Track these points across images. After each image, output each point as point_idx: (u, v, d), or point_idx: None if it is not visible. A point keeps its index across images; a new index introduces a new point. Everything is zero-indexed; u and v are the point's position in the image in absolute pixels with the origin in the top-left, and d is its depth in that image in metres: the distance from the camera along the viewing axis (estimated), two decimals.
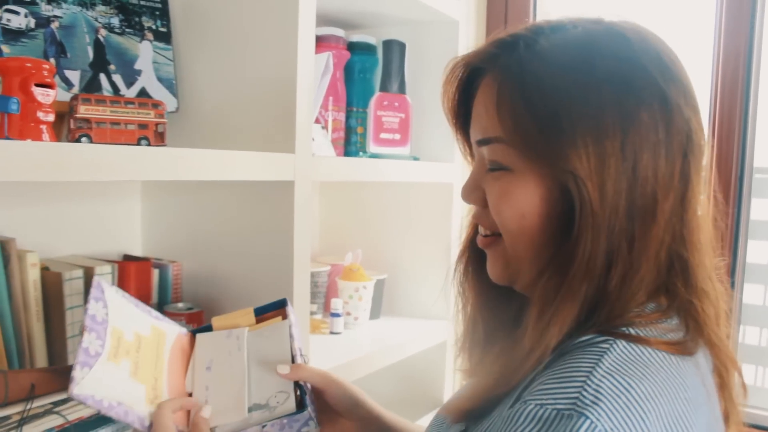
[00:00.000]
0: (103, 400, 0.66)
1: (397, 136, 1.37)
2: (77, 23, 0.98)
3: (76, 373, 0.65)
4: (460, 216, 1.46)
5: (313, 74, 1.06)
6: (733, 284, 1.46)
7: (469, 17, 1.62)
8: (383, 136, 1.35)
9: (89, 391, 0.65)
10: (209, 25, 1.11)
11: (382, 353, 1.27)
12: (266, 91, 1.05)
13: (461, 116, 0.70)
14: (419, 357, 1.42)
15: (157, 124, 0.91)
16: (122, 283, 1.04)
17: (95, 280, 0.77)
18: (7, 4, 0.90)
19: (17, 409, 0.78)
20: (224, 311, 1.10)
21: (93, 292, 0.75)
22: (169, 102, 1.08)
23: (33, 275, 0.90)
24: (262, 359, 0.80)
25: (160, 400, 0.73)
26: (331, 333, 1.33)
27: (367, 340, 1.33)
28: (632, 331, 0.55)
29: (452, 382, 1.52)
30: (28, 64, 0.77)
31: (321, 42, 1.29)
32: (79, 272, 0.96)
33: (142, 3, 1.08)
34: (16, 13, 0.91)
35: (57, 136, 0.82)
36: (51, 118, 0.78)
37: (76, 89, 0.97)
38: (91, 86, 0.99)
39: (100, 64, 1.01)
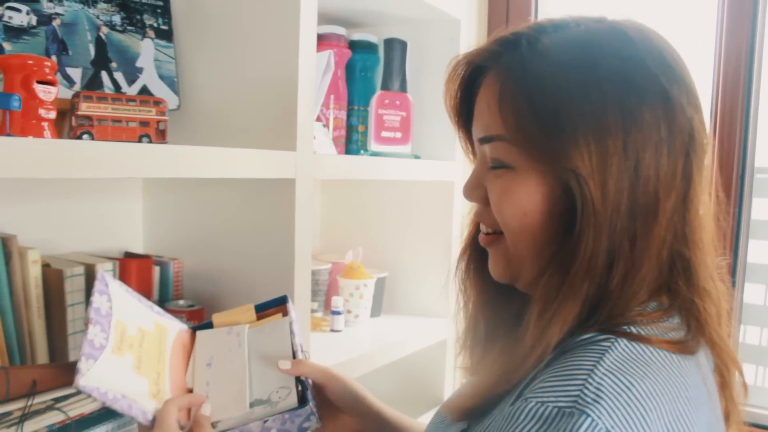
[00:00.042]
0: (108, 392, 0.66)
1: (398, 135, 1.37)
2: (79, 21, 0.98)
3: (82, 365, 0.66)
4: (461, 214, 1.46)
5: (315, 72, 1.06)
6: (733, 284, 1.46)
7: (471, 16, 1.62)
8: (384, 134, 1.35)
9: (94, 383, 0.66)
10: (211, 23, 1.11)
11: (383, 351, 1.27)
12: (267, 89, 1.05)
13: (463, 114, 0.70)
14: (419, 355, 1.42)
15: (158, 122, 0.91)
16: (123, 280, 1.04)
17: (99, 273, 0.77)
18: (9, 1, 0.90)
19: (18, 405, 0.78)
20: (225, 308, 1.10)
21: (97, 285, 0.75)
22: (170, 100, 1.08)
23: (34, 272, 0.90)
24: (263, 355, 0.80)
25: (163, 394, 0.74)
26: (332, 331, 1.33)
27: (368, 337, 1.33)
28: (634, 329, 0.55)
29: (452, 380, 1.52)
30: (30, 62, 0.77)
31: (322, 40, 1.29)
32: (81, 269, 0.96)
33: (144, 1, 1.08)
34: (18, 10, 0.91)
35: (58, 134, 0.82)
36: (52, 115, 0.78)
37: (77, 87, 0.97)
38: (92, 84, 0.99)
39: (101, 61, 1.01)
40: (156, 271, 1.12)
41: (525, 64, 0.59)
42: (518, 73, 0.59)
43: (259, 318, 0.88)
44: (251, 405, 0.75)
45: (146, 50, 1.07)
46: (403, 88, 1.38)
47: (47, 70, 0.77)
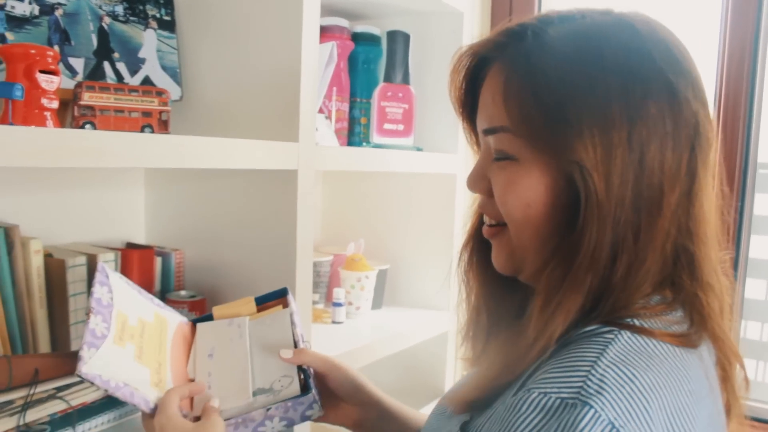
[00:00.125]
0: (110, 380, 0.67)
1: (401, 127, 1.37)
2: (81, 11, 0.98)
3: (84, 353, 0.66)
4: (462, 207, 1.46)
5: (317, 64, 1.06)
6: (735, 279, 1.46)
7: (474, 8, 1.61)
8: (387, 126, 1.35)
9: (97, 370, 0.66)
10: (213, 14, 1.11)
11: (384, 343, 1.27)
12: (270, 80, 1.05)
13: (468, 105, 0.69)
14: (421, 347, 1.43)
15: (160, 112, 0.91)
16: (125, 271, 1.04)
17: (100, 265, 0.78)
18: None
19: (21, 393, 0.78)
20: (226, 299, 1.10)
21: (98, 276, 0.76)
22: (173, 90, 1.08)
23: (36, 262, 0.90)
24: (265, 345, 0.81)
25: (164, 384, 0.74)
26: (333, 322, 1.33)
27: (369, 329, 1.33)
28: (637, 322, 0.55)
29: (453, 372, 1.53)
30: (33, 51, 0.77)
31: (325, 32, 1.28)
32: (83, 259, 0.96)
33: None
34: (21, 0, 0.90)
35: (61, 124, 0.82)
36: (55, 105, 0.78)
37: (80, 77, 0.97)
38: (95, 74, 0.99)
39: (104, 52, 1.01)
40: (158, 261, 1.12)
41: (530, 55, 0.59)
42: (523, 64, 0.59)
43: (259, 310, 0.88)
44: (254, 394, 0.75)
45: (149, 41, 1.07)
46: (405, 80, 1.38)
47: (50, 60, 0.77)
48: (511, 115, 0.59)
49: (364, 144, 1.34)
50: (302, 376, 0.78)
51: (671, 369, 0.53)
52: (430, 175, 1.45)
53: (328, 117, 1.29)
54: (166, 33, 1.09)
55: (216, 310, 0.88)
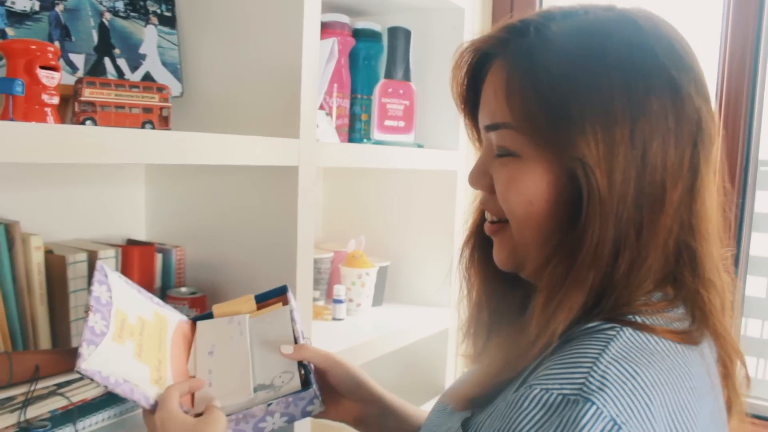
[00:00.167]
0: (110, 376, 0.67)
1: (402, 124, 1.37)
2: (82, 7, 0.98)
3: (83, 350, 0.66)
4: (463, 204, 1.46)
5: (318, 60, 1.06)
6: (736, 276, 1.46)
7: (475, 4, 1.61)
8: (387, 123, 1.35)
9: (96, 367, 0.66)
10: (214, 10, 1.11)
11: (384, 340, 1.27)
12: (271, 76, 1.05)
13: (470, 101, 0.69)
14: (421, 344, 1.43)
15: (161, 109, 0.91)
16: (126, 268, 1.04)
17: (98, 264, 0.78)
18: None
19: (21, 390, 0.78)
20: (227, 296, 1.10)
21: (96, 275, 0.76)
22: (173, 86, 1.08)
23: (37, 258, 0.90)
24: (265, 342, 0.81)
25: (164, 381, 0.74)
26: (334, 319, 1.33)
27: (370, 326, 1.33)
28: (639, 319, 0.55)
29: (454, 369, 1.53)
30: (33, 47, 0.76)
31: (326, 28, 1.28)
32: (83, 256, 0.96)
33: None
34: None
35: (61, 120, 0.82)
36: (55, 100, 0.77)
37: (80, 73, 0.97)
38: (95, 70, 0.99)
39: (104, 47, 1.00)
40: (158, 258, 1.12)
41: (533, 51, 0.58)
42: (526, 60, 0.59)
43: (259, 308, 0.89)
44: (255, 390, 0.75)
45: (149, 37, 1.07)
46: (406, 76, 1.37)
47: (50, 56, 0.77)
48: (514, 111, 0.59)
49: (365, 140, 1.34)
50: (303, 372, 0.78)
51: (673, 366, 0.53)
52: (431, 171, 1.45)
53: (329, 113, 1.29)
54: (166, 29, 1.09)
55: (216, 308, 0.88)
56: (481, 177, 0.65)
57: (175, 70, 1.10)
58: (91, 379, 0.66)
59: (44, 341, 0.92)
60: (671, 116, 0.56)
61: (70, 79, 0.91)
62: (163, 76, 1.08)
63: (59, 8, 0.94)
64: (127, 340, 0.73)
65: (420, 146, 1.38)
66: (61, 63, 0.91)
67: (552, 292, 0.56)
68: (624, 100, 0.55)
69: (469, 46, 0.66)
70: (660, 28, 0.59)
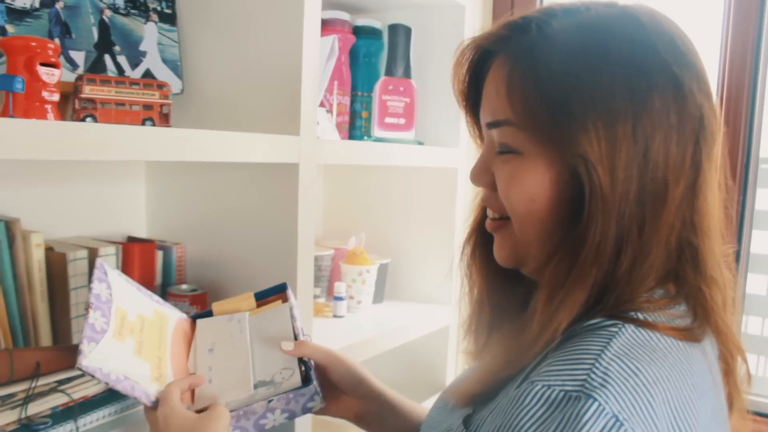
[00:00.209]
0: (111, 373, 0.67)
1: (402, 121, 1.37)
2: (82, 4, 0.97)
3: (84, 347, 0.66)
4: (464, 201, 1.46)
5: (319, 58, 1.06)
6: (737, 273, 1.46)
7: (476, 1, 1.60)
8: (388, 120, 1.35)
9: (97, 364, 0.66)
10: (214, 7, 1.10)
11: (385, 337, 1.27)
12: (271, 73, 1.05)
13: (471, 98, 0.69)
14: (422, 341, 1.43)
15: (161, 106, 0.90)
16: (126, 265, 1.04)
17: (98, 261, 0.78)
18: None
19: (22, 386, 0.78)
20: (228, 293, 1.10)
21: (96, 273, 0.76)
22: (173, 84, 1.07)
23: (37, 255, 0.90)
24: (265, 339, 0.81)
25: (165, 378, 0.74)
26: (334, 316, 1.33)
27: (370, 323, 1.34)
28: (641, 316, 0.55)
29: (454, 366, 1.53)
30: (33, 44, 0.76)
31: (326, 25, 1.28)
32: (84, 253, 0.96)
33: None
34: None
35: (62, 117, 0.81)
36: (56, 97, 0.77)
37: (80, 70, 0.97)
38: (95, 67, 0.99)
39: (104, 45, 1.00)
40: (159, 255, 1.11)
41: (534, 48, 0.58)
42: (527, 57, 0.59)
43: (259, 306, 0.89)
44: (255, 386, 0.75)
45: (149, 34, 1.07)
46: (407, 74, 1.37)
47: (50, 53, 0.77)
48: (515, 108, 0.59)
49: (366, 138, 1.34)
50: (303, 369, 0.78)
51: (675, 363, 0.53)
52: (432, 169, 1.45)
53: (329, 111, 1.29)
54: (167, 26, 1.09)
55: (216, 306, 0.88)
56: (483, 174, 0.65)
57: (175, 67, 1.09)
58: (92, 376, 0.66)
59: (45, 338, 0.92)
60: (673, 113, 0.56)
61: (70, 76, 0.90)
62: (163, 73, 1.08)
63: (59, 5, 0.94)
64: (128, 337, 0.73)
65: (420, 143, 1.38)
66: (62, 60, 0.91)
67: (554, 289, 0.56)
68: (626, 97, 0.55)
69: (470, 43, 0.65)
70: (662, 24, 0.58)
